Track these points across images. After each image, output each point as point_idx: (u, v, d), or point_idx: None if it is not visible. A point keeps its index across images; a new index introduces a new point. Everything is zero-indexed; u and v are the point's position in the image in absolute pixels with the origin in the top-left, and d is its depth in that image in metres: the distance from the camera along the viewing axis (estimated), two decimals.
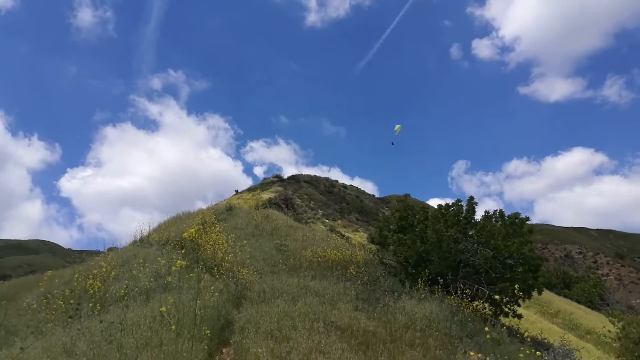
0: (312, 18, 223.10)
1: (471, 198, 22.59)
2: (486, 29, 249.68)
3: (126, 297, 14.29)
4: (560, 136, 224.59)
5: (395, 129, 34.56)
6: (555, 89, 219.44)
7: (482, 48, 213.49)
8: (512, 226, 22.20)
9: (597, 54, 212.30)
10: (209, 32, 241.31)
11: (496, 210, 22.61)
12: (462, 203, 23.70)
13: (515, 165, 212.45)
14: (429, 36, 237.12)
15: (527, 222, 22.38)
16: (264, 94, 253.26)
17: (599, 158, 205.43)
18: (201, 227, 26.28)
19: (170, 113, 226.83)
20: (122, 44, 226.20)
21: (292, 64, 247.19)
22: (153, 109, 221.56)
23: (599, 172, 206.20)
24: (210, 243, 22.09)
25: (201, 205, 42.56)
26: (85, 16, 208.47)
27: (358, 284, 17.62)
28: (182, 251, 21.54)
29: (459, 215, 23.15)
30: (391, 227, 24.09)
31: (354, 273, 19.68)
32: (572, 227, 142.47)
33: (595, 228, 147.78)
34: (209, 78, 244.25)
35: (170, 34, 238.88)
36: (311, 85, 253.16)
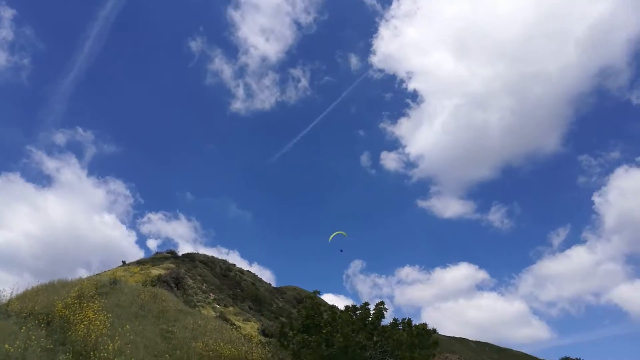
0: (238, 105, 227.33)
1: (381, 303, 21.74)
2: (395, 144, 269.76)
3: None
4: (449, 250, 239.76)
5: (336, 233, 34.37)
6: (449, 207, 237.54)
7: (390, 160, 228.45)
8: (419, 337, 21.44)
9: (486, 183, 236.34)
10: (129, 97, 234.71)
11: (404, 318, 21.90)
12: (369, 306, 22.76)
13: (407, 272, 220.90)
14: (344, 141, 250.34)
15: (434, 334, 21.81)
16: (174, 167, 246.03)
17: (482, 274, 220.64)
18: (77, 301, 22.58)
19: (69, 171, 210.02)
20: (32, 92, 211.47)
21: (208, 144, 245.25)
22: (50, 164, 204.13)
23: (480, 287, 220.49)
24: (85, 322, 18.77)
25: (83, 273, 37.71)
26: None
27: None
28: (47, 329, 18.00)
29: (365, 319, 22.08)
30: (295, 325, 22.24)
31: None
32: (454, 337, 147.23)
33: (474, 340, 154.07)
34: (119, 143, 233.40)
35: (88, 92, 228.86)
36: (224, 167, 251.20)
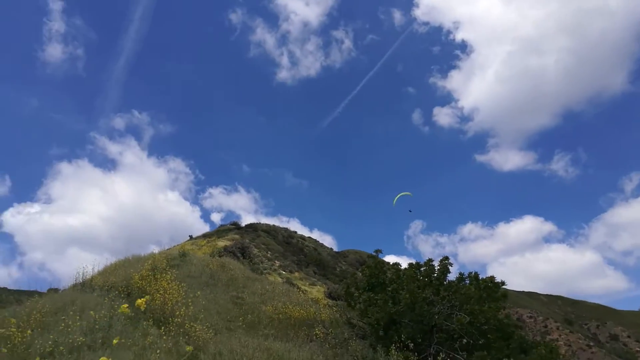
0: (283, 74, 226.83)
1: (445, 258, 21.41)
2: (447, 99, 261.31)
3: (54, 354, 11.94)
4: (512, 204, 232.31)
5: (400, 195, 34.21)
6: (509, 159, 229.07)
7: (443, 116, 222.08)
8: (486, 290, 21.04)
9: (547, 131, 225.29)
10: (179, 77, 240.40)
11: (470, 272, 21.51)
12: (434, 262, 22.52)
13: (470, 229, 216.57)
14: (393, 100, 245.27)
15: (502, 287, 21.32)
16: (229, 142, 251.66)
17: (548, 227, 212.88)
18: (151, 273, 23.80)
19: (130, 153, 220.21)
20: (89, 81, 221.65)
21: (258, 116, 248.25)
22: (113, 149, 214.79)
23: (548, 239, 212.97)
24: (160, 292, 19.75)
25: (154, 249, 39.68)
26: (55, 52, 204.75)
27: (326, 348, 15.73)
28: (127, 299, 19.12)
29: (431, 275, 21.88)
30: (360, 284, 22.42)
31: (320, 335, 17.75)
32: (523, 292, 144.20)
33: (545, 293, 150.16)
34: (174, 122, 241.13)
35: (139, 75, 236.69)
36: (276, 138, 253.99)
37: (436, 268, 22.19)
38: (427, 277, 21.46)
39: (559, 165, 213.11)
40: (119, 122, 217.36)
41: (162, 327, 15.67)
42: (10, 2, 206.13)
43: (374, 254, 22.20)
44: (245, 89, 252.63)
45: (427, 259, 22.42)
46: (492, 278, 21.18)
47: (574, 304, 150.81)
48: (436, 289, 20.77)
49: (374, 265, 21.86)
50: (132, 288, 21.12)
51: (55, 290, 22.65)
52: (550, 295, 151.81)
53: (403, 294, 19.27)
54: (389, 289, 20.48)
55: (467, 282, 21.44)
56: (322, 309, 23.75)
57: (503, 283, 21.18)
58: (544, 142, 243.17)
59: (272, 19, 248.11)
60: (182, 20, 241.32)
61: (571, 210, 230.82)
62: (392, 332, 18.98)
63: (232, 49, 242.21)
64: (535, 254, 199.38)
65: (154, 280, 22.20)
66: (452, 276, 22.16)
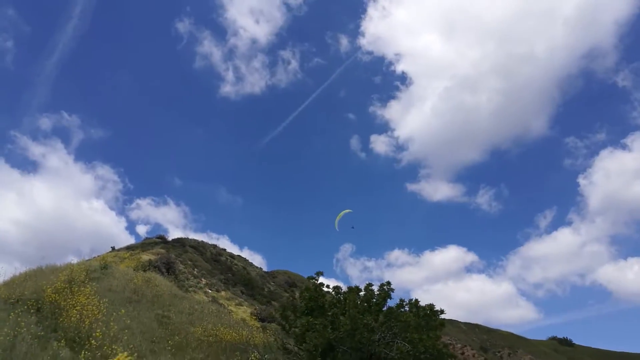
0: (227, 89, 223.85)
1: (387, 283, 20.92)
2: (384, 127, 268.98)
3: None
4: (439, 233, 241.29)
5: (340, 216, 33.65)
6: (438, 190, 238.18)
7: (379, 143, 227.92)
8: (425, 318, 20.72)
9: (475, 166, 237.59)
10: (116, 80, 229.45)
11: (411, 299, 21.12)
12: (373, 287, 21.97)
13: (397, 255, 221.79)
14: (333, 124, 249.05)
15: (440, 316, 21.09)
16: (163, 152, 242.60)
17: (471, 257, 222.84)
18: (67, 285, 21.45)
19: (55, 157, 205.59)
20: (17, 76, 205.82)
21: (197, 128, 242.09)
22: (35, 150, 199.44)
23: (469, 269, 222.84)
24: (77, 307, 17.70)
25: (72, 259, 36.34)
26: None
27: None
28: (37, 315, 16.92)
29: (370, 300, 21.28)
30: (298, 307, 21.34)
31: None
32: (444, 319, 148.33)
33: (464, 321, 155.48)
34: (106, 127, 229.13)
35: (73, 75, 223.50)
36: (213, 152, 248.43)
37: (376, 293, 21.63)
38: (367, 302, 20.82)
39: (484, 199, 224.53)
40: (45, 122, 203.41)
41: (77, 349, 13.81)
42: None
43: (314, 276, 21.27)
44: (186, 100, 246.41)
45: (367, 282, 21.86)
46: (431, 306, 20.91)
47: (490, 332, 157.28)
48: (375, 315, 20.16)
49: (314, 288, 20.92)
50: (43, 302, 18.80)
51: None
52: (469, 323, 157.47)
53: (343, 319, 18.45)
54: (329, 313, 19.57)
55: (407, 308, 21.03)
56: (254, 332, 22.41)
57: (442, 311, 20.96)
58: (471, 176, 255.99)
59: (221, 32, 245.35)
60: (125, 23, 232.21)
61: (492, 242, 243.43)
62: (330, 359, 18.07)
63: (177, 58, 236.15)
64: (458, 282, 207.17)
65: (71, 294, 19.98)
66: (391, 302, 21.70)
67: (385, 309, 21.06)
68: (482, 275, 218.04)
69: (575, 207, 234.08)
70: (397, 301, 21.75)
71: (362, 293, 21.79)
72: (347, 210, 41.28)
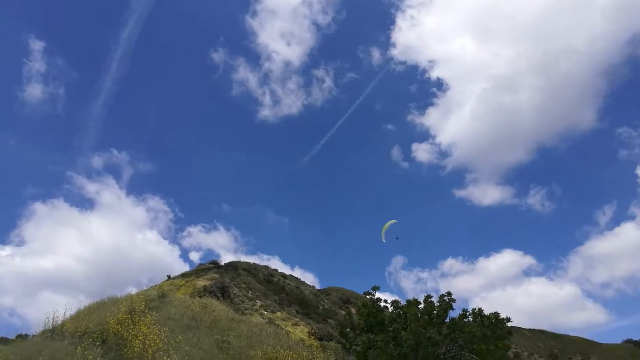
0: (265, 112, 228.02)
1: (448, 293, 20.16)
2: (425, 135, 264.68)
3: None
4: (491, 238, 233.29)
5: (386, 228, 33.44)
6: (487, 194, 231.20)
7: (421, 152, 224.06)
8: (490, 327, 19.79)
9: (522, 166, 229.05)
10: (159, 115, 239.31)
11: (474, 308, 20.22)
12: (433, 299, 21.25)
13: (451, 264, 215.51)
14: (372, 137, 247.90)
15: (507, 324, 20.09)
16: (209, 180, 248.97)
17: (528, 260, 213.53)
18: (128, 316, 21.87)
19: (109, 192, 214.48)
20: (68, 120, 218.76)
21: (239, 154, 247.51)
22: (90, 188, 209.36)
23: (527, 273, 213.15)
24: (140, 337, 17.93)
25: (131, 290, 37.30)
26: (34, 92, 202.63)
27: None
28: (102, 347, 17.23)
29: (431, 313, 20.57)
30: (356, 324, 20.87)
31: None
32: (511, 327, 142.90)
33: (528, 328, 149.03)
34: (153, 160, 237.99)
35: (119, 114, 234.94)
36: (257, 175, 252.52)
37: (436, 304, 20.90)
38: (428, 314, 20.12)
39: (535, 199, 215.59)
40: (97, 161, 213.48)
41: None
42: None
43: (371, 291, 20.77)
44: (227, 127, 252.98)
45: (426, 295, 21.21)
46: (496, 314, 19.98)
47: (557, 337, 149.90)
48: (438, 328, 19.41)
49: (372, 304, 20.40)
50: (107, 334, 19.20)
51: (24, 337, 20.55)
52: (533, 330, 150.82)
53: (405, 334, 17.84)
54: (390, 329, 18.99)
55: (470, 319, 20.16)
56: (315, 352, 22.04)
57: (509, 319, 19.97)
58: (520, 177, 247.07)
59: (254, 58, 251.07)
60: (163, 59, 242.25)
61: (549, 243, 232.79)
62: None
63: (214, 87, 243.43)
64: (516, 287, 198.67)
65: (132, 324, 20.32)
66: (452, 312, 20.90)
67: (447, 320, 20.31)
68: (542, 279, 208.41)
69: (636, 199, 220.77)
70: (459, 312, 20.96)
71: (421, 306, 21.12)
72: (393, 221, 40.78)
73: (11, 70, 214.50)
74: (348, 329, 21.14)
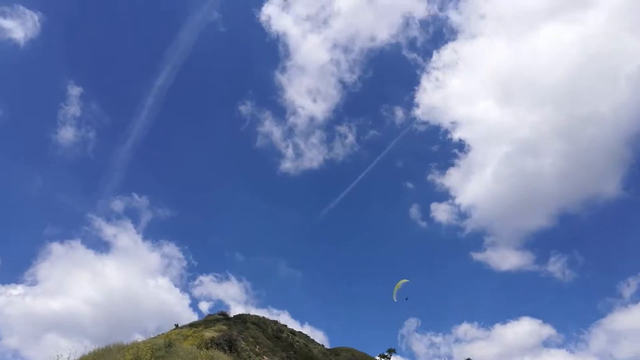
0: (287, 165, 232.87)
1: None
2: (445, 196, 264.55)
3: None
4: (509, 305, 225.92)
5: (398, 287, 32.92)
6: (506, 258, 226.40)
7: (440, 212, 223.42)
8: None
9: (543, 232, 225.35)
10: (184, 163, 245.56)
11: None
12: None
13: (465, 329, 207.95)
14: (392, 194, 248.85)
15: None
16: (226, 229, 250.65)
17: (547, 330, 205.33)
18: None
19: (126, 236, 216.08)
20: (96, 164, 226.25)
21: (259, 204, 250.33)
22: (108, 230, 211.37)
23: (547, 344, 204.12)
24: None
25: (138, 337, 36.61)
26: (67, 134, 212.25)
27: None
28: None
29: None
30: None
31: None
32: None
33: None
34: (173, 207, 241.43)
35: (145, 159, 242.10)
36: (274, 226, 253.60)
37: None
38: None
39: (556, 266, 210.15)
40: (117, 205, 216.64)
41: None
42: (31, 86, 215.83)
43: (386, 354, 19.99)
44: (249, 177, 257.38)
45: None
46: None
47: None
48: None
49: None
50: None
51: None
52: None
53: None
54: None
55: None
56: None
57: None
58: (540, 243, 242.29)
59: (280, 112, 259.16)
60: (192, 109, 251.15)
61: (570, 313, 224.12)
62: None
63: (240, 138, 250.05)
64: (535, 358, 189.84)
65: None
66: None
67: None
68: (562, 351, 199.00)
69: None
70: None
71: None
72: (405, 281, 40.17)
73: (48, 114, 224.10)
74: None
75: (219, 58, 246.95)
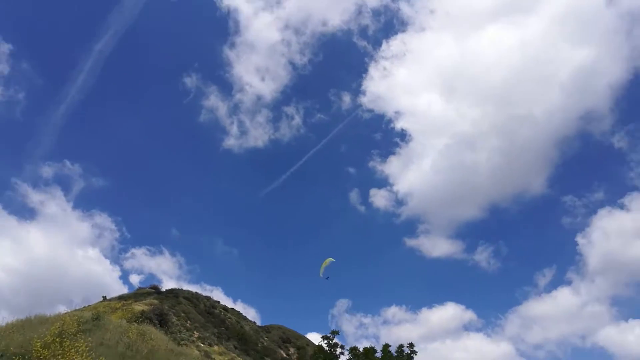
0: (231, 142, 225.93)
1: (410, 345, 19.21)
2: (384, 182, 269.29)
3: None
4: (436, 290, 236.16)
5: (325, 262, 32.39)
6: (437, 246, 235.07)
7: (379, 197, 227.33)
8: None
9: (474, 223, 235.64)
10: (122, 131, 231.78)
11: None
12: (391, 348, 20.27)
13: (394, 312, 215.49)
14: (333, 178, 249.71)
15: None
16: (163, 202, 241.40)
17: (469, 315, 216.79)
18: (57, 339, 19.60)
19: (54, 204, 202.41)
20: (24, 126, 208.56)
21: (198, 180, 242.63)
22: (35, 197, 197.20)
23: (467, 327, 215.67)
24: None
25: (62, 309, 34.25)
26: None
27: None
28: None
29: None
30: None
31: None
32: None
33: None
34: (108, 176, 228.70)
35: (79, 125, 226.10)
36: (212, 204, 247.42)
37: (394, 354, 19.90)
38: None
39: (482, 256, 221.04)
40: (47, 171, 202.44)
41: None
42: None
43: (329, 335, 19.60)
44: (190, 152, 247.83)
45: (385, 344, 20.21)
46: None
47: None
48: None
49: (329, 349, 19.18)
50: (30, 357, 17.00)
51: None
52: None
53: None
54: None
55: None
56: None
57: None
58: (470, 233, 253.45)
59: (227, 88, 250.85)
60: (134, 78, 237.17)
61: (491, 300, 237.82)
62: None
63: (183, 111, 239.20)
64: (455, 341, 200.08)
65: (61, 349, 18.16)
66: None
67: None
68: (480, 334, 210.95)
69: (574, 266, 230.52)
70: None
71: (377, 354, 20.08)
72: (331, 259, 40.41)
73: None
74: None
75: (165, 27, 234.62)
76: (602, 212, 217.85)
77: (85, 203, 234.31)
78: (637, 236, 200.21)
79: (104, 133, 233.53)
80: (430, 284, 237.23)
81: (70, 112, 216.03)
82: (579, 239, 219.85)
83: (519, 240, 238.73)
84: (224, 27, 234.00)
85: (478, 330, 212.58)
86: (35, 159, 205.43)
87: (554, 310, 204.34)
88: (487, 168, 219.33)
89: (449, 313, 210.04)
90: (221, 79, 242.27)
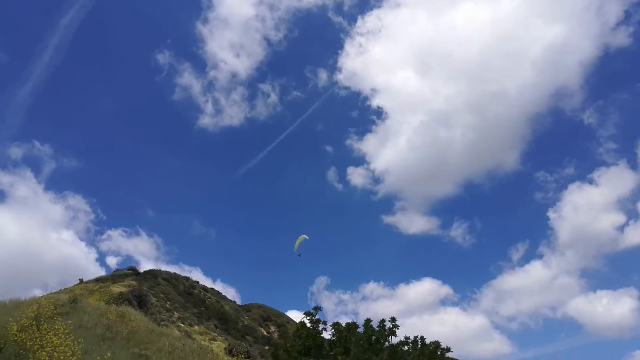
0: (206, 121, 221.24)
1: (392, 319, 19.42)
2: (361, 160, 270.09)
3: None
4: (413, 266, 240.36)
5: (299, 239, 32.44)
6: (414, 223, 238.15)
7: (356, 175, 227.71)
8: (430, 356, 19.26)
9: (449, 199, 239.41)
10: (92, 110, 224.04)
11: (416, 336, 19.65)
12: (372, 323, 20.46)
13: (372, 288, 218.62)
14: (311, 156, 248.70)
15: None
16: (138, 182, 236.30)
17: (445, 290, 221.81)
18: (34, 322, 19.19)
19: (24, 186, 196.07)
20: None
21: (173, 160, 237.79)
22: (3, 179, 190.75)
23: (444, 302, 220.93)
24: (47, 349, 15.57)
25: (38, 293, 33.50)
26: None
27: None
28: (1, 356, 14.76)
29: (370, 337, 19.72)
30: (292, 347, 19.53)
31: None
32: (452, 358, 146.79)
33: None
34: (80, 157, 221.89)
35: (47, 104, 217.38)
36: (188, 183, 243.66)
37: (376, 329, 20.10)
38: (368, 339, 19.25)
39: (458, 232, 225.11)
40: (15, 152, 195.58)
41: None
42: None
43: (312, 311, 19.62)
44: (164, 131, 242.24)
45: (366, 318, 20.33)
46: (437, 343, 19.50)
47: None
48: (378, 354, 18.58)
49: (312, 327, 19.24)
50: (6, 342, 16.59)
51: None
52: (448, 358, 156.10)
53: (347, 359, 16.82)
54: (332, 353, 17.88)
55: (411, 346, 19.54)
56: None
57: (448, 349, 19.54)
58: (445, 209, 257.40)
59: (201, 65, 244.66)
60: (103, 54, 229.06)
61: (466, 275, 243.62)
62: None
63: (156, 89, 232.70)
64: (432, 315, 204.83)
65: (38, 332, 17.77)
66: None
67: (386, 346, 19.54)
68: (456, 309, 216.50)
69: (545, 240, 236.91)
70: (399, 339, 20.29)
71: (359, 329, 20.24)
72: (304, 237, 40.95)
73: None
74: (282, 351, 19.76)
75: (135, 1, 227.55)
76: (572, 187, 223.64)
77: (57, 184, 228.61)
78: (604, 210, 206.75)
79: (73, 112, 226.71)
80: (407, 260, 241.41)
81: (37, 90, 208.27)
82: (551, 213, 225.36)
83: (493, 215, 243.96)
84: (196, 2, 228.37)
85: (454, 304, 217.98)
86: (1, 139, 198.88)
87: (527, 283, 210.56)
88: (462, 145, 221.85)
89: (425, 288, 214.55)
90: (194, 55, 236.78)
